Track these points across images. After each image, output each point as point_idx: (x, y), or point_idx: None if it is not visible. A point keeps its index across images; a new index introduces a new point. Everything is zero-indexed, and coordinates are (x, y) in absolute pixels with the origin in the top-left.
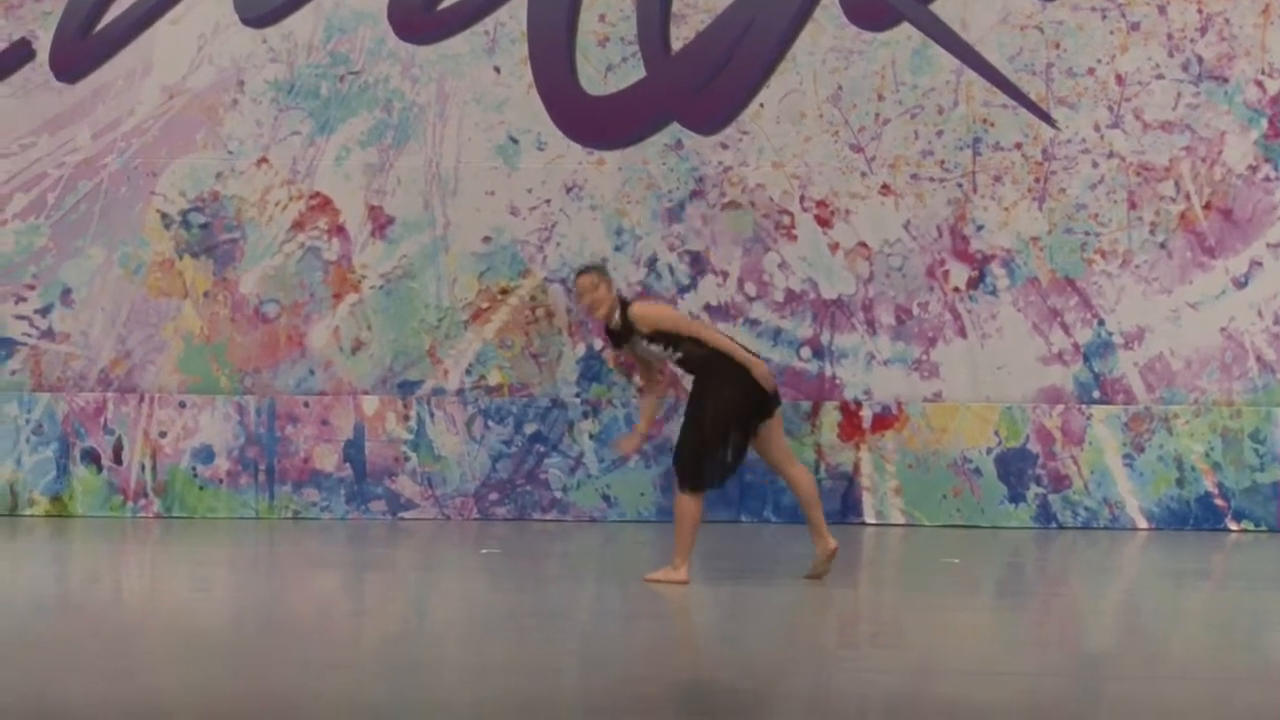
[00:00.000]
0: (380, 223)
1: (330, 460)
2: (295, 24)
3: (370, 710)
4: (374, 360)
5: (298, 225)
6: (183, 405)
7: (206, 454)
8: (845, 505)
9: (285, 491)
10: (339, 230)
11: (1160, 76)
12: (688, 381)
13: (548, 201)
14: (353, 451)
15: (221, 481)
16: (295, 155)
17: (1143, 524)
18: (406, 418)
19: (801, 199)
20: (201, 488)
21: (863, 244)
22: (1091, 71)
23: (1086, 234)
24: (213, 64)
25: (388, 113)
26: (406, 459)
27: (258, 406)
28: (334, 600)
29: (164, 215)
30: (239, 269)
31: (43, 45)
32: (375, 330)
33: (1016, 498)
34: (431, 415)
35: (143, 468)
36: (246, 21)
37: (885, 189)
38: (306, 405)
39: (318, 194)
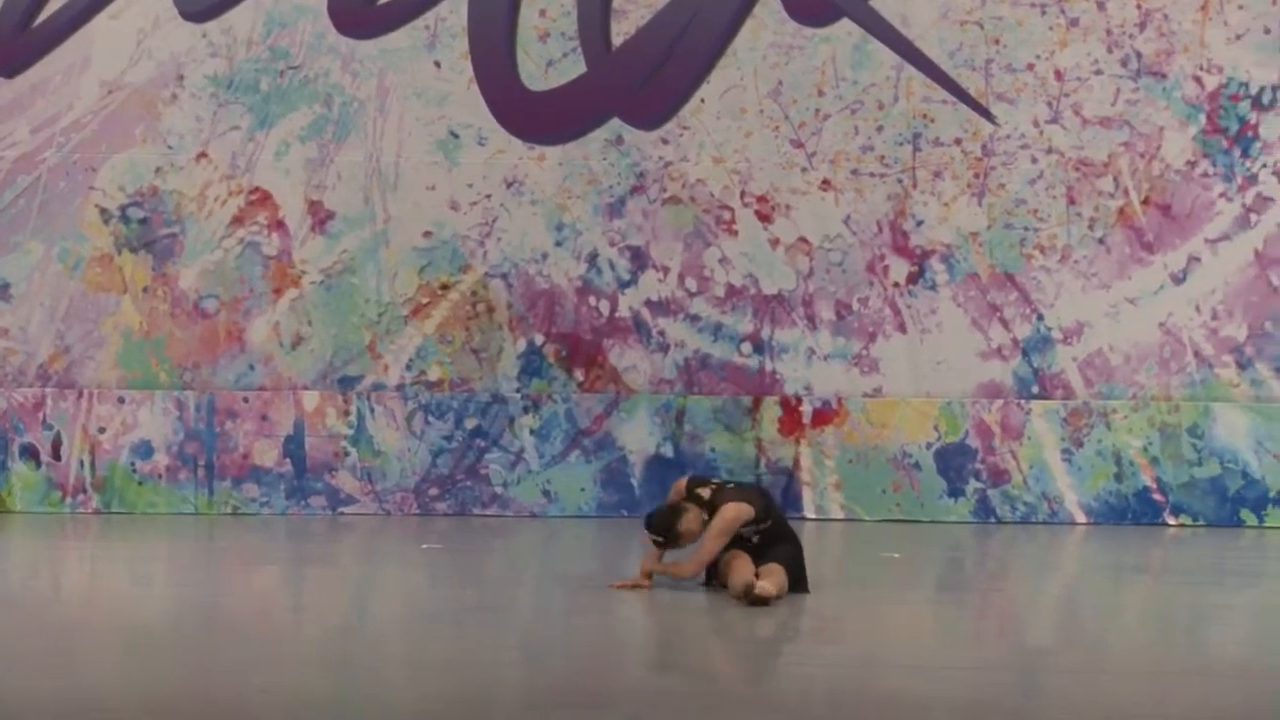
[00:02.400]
0: (320, 218)
1: (270, 456)
2: (235, 19)
3: (312, 706)
4: (314, 355)
5: (237, 220)
6: (122, 401)
7: (146, 449)
8: (785, 500)
9: (225, 487)
10: (279, 225)
11: (1099, 72)
12: None
13: (488, 196)
14: (292, 447)
15: (161, 477)
16: (235, 150)
17: (1081, 518)
18: (346, 413)
19: (742, 194)
20: (141, 483)
21: (803, 239)
22: (1031, 67)
23: (1026, 229)
24: (152, 59)
25: (328, 108)
26: (346, 454)
27: (197, 402)
28: (275, 596)
29: (103, 210)
30: (178, 264)
31: None
32: (315, 325)
33: (956, 492)
34: (372, 410)
35: (81, 463)
36: (186, 16)
37: (825, 184)
38: (246, 400)
39: (257, 189)
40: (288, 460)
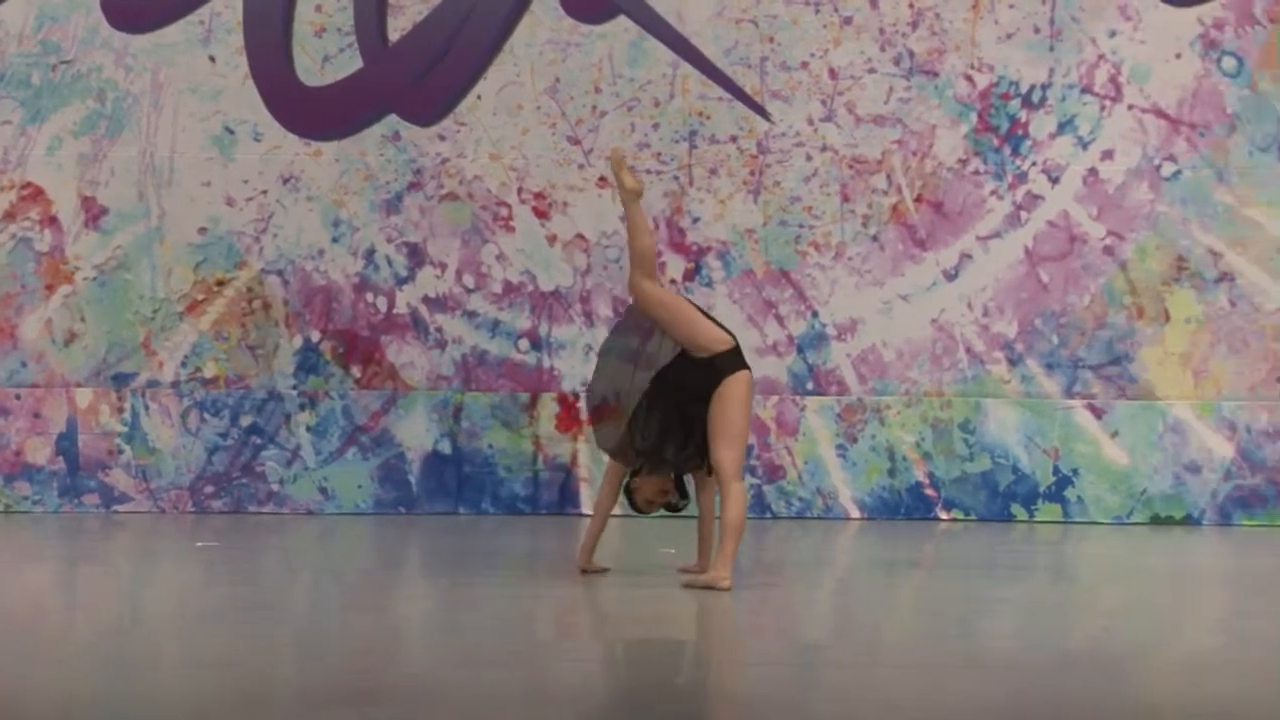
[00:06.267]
0: (94, 213)
1: (42, 453)
2: (6, 12)
3: (85, 704)
4: (87, 352)
5: (9, 216)
6: None
7: None
8: (563, 497)
9: None
10: (51, 221)
11: (872, 70)
12: None
13: (264, 192)
14: (65, 444)
15: None
16: (6, 145)
17: (855, 514)
18: (120, 410)
19: (519, 191)
20: None
21: (580, 236)
22: (805, 65)
23: (801, 227)
24: None
25: (101, 102)
26: (120, 452)
27: None
28: (46, 595)
29: None
30: None
31: None
32: (89, 322)
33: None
34: (146, 408)
35: None
36: None
37: (602, 181)
38: (18, 398)
39: (29, 184)
40: (60, 458)
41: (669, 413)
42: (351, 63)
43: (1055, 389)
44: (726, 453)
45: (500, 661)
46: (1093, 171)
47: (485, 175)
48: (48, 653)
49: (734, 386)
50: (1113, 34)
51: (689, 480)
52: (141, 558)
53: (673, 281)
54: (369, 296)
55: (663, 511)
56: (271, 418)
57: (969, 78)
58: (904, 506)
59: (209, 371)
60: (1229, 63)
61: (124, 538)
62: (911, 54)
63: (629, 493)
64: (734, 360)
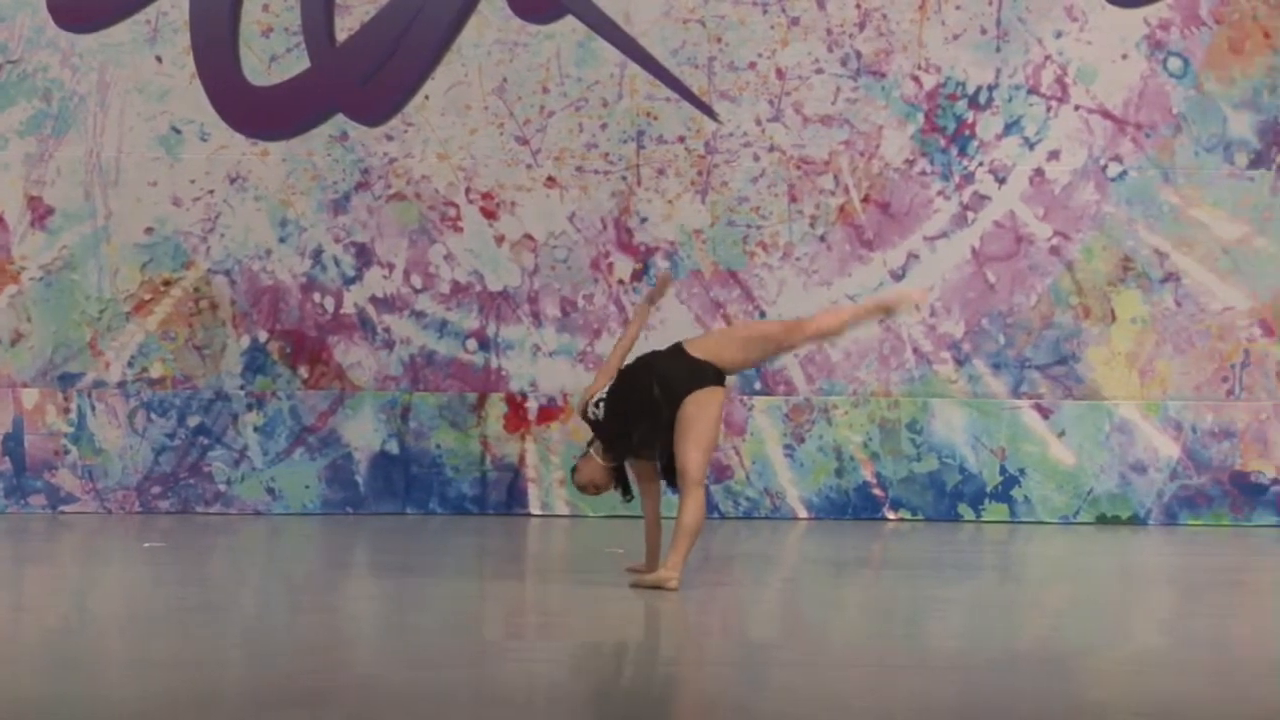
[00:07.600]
0: (40, 213)
1: None
2: None
3: (32, 705)
4: (34, 352)
5: None
6: None
7: None
8: (510, 497)
9: None
10: None
11: (820, 71)
12: None
13: (211, 192)
14: (11, 445)
15: None
16: None
17: (803, 513)
18: (67, 410)
19: (467, 191)
20: None
21: (528, 236)
22: (753, 65)
23: (748, 227)
24: None
25: (47, 102)
26: (67, 452)
27: None
28: None
29: None
30: None
31: None
32: (35, 322)
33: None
34: (93, 408)
35: None
36: None
37: (550, 181)
38: None
39: None
40: (7, 458)
41: (634, 393)
42: (299, 62)
43: (1002, 389)
44: (695, 456)
45: (449, 662)
46: (1039, 172)
47: (433, 175)
48: None
49: (715, 395)
50: (1059, 35)
51: (633, 482)
52: (88, 558)
53: (620, 282)
54: (316, 296)
55: (614, 510)
56: (219, 418)
57: (916, 78)
58: (851, 506)
59: (156, 372)
60: (1175, 63)
61: (71, 538)
62: (859, 55)
63: (574, 469)
64: (720, 374)
